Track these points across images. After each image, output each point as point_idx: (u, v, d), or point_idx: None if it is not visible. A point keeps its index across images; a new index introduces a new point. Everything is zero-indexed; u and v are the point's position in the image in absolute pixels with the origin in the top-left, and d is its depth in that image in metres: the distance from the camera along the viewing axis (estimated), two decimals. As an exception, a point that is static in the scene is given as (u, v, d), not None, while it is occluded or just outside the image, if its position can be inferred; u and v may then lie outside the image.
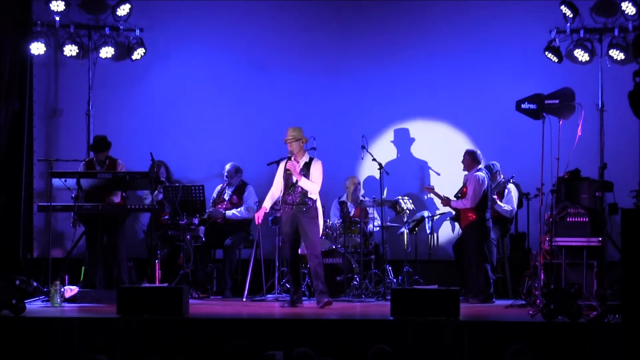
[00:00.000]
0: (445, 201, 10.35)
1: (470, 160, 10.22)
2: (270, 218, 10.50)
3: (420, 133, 11.71)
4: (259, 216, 9.64)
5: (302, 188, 9.39)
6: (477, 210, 10.01)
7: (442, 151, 11.58)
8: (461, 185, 10.29)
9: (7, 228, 11.18)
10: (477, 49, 11.51)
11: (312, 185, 9.41)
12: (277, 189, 9.60)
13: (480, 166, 10.20)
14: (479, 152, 10.25)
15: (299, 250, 9.67)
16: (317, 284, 9.45)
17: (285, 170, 9.50)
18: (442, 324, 7.77)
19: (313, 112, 11.66)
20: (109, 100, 11.72)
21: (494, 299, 9.96)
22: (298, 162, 9.49)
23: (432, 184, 11.13)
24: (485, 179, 10.10)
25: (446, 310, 7.97)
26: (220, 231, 10.80)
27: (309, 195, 9.41)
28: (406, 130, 11.72)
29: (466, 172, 10.28)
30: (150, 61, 11.72)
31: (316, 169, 9.47)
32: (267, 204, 9.71)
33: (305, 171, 9.44)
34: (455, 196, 10.25)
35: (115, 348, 7.68)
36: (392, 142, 11.71)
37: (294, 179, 9.43)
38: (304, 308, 9.58)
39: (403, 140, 11.70)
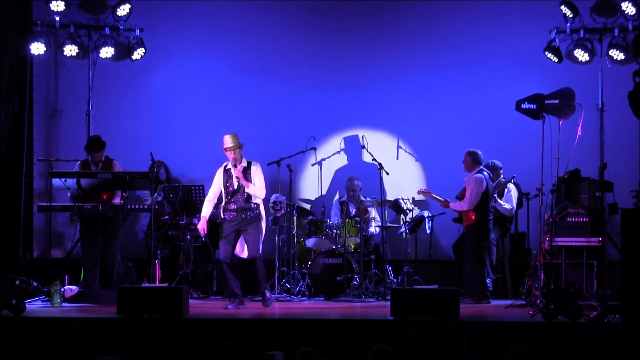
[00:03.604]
0: (445, 203, 10.33)
1: (471, 161, 10.18)
2: (270, 218, 10.49)
3: (420, 133, 11.70)
4: (203, 228, 9.50)
5: (246, 194, 9.33)
6: (478, 211, 9.99)
7: (442, 151, 11.58)
8: (463, 186, 10.26)
9: (7, 228, 11.18)
10: (478, 49, 11.50)
11: (260, 190, 9.38)
12: (215, 196, 9.50)
13: (481, 167, 10.18)
14: (480, 152, 10.23)
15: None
16: (265, 285, 9.44)
17: (235, 177, 9.34)
18: (442, 324, 7.76)
19: (313, 112, 11.67)
20: (109, 100, 11.73)
21: (490, 300, 9.94)
22: (237, 168, 9.38)
23: (428, 187, 11.11)
24: (485, 180, 10.05)
25: (446, 310, 7.98)
26: (221, 231, 10.80)
27: (254, 200, 9.37)
28: (406, 131, 11.70)
29: (467, 173, 10.25)
30: (150, 61, 11.72)
31: (257, 172, 9.44)
32: (205, 212, 9.52)
33: (246, 176, 9.35)
34: (456, 197, 10.24)
35: (115, 348, 7.68)
36: (391, 142, 11.70)
37: (236, 185, 9.35)
38: (304, 308, 9.58)
39: (403, 141, 11.69)
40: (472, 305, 9.68)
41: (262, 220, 9.46)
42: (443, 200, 10.35)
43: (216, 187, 9.50)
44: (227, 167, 9.44)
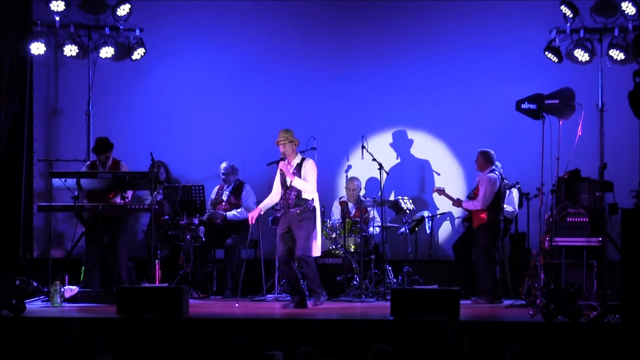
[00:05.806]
0: (457, 202, 10.31)
1: (483, 160, 10.17)
2: (270, 218, 10.51)
3: (421, 133, 11.71)
4: (252, 216, 9.57)
5: (296, 189, 9.33)
6: (490, 211, 9.96)
7: (443, 151, 11.59)
8: (474, 185, 10.24)
9: (7, 228, 11.18)
10: (478, 49, 11.51)
11: (305, 185, 9.32)
12: (276, 194, 9.53)
13: (493, 167, 10.16)
14: (492, 152, 10.20)
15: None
16: (310, 285, 9.44)
17: (279, 170, 9.43)
18: (442, 324, 7.76)
19: (313, 112, 11.67)
20: (109, 100, 11.73)
21: (502, 299, 9.94)
22: (290, 164, 9.42)
23: (428, 187, 11.09)
24: (498, 180, 10.04)
25: (446, 310, 7.97)
26: (221, 231, 10.81)
27: (304, 196, 9.33)
28: (406, 131, 11.71)
29: (480, 172, 10.22)
30: (150, 61, 11.72)
31: (308, 168, 9.38)
32: (263, 205, 9.66)
33: (298, 172, 9.36)
34: (468, 197, 10.22)
35: (115, 348, 7.68)
36: (391, 143, 11.70)
37: (288, 180, 9.38)
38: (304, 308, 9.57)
39: (403, 141, 11.69)
40: (483, 305, 9.68)
41: (314, 218, 9.35)
42: (455, 199, 10.33)
43: (276, 183, 9.51)
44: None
